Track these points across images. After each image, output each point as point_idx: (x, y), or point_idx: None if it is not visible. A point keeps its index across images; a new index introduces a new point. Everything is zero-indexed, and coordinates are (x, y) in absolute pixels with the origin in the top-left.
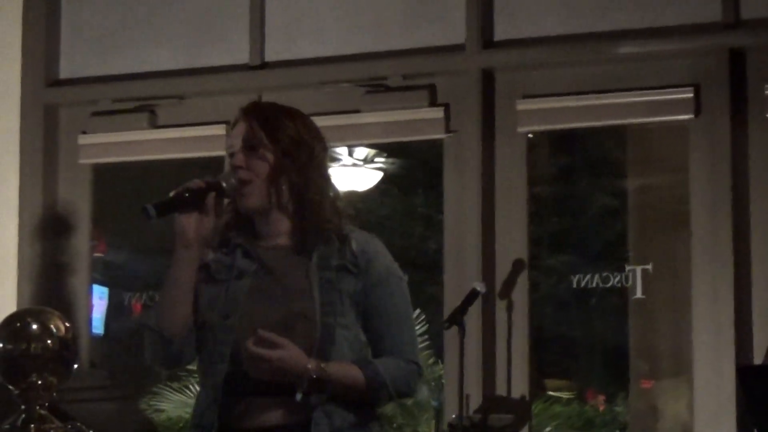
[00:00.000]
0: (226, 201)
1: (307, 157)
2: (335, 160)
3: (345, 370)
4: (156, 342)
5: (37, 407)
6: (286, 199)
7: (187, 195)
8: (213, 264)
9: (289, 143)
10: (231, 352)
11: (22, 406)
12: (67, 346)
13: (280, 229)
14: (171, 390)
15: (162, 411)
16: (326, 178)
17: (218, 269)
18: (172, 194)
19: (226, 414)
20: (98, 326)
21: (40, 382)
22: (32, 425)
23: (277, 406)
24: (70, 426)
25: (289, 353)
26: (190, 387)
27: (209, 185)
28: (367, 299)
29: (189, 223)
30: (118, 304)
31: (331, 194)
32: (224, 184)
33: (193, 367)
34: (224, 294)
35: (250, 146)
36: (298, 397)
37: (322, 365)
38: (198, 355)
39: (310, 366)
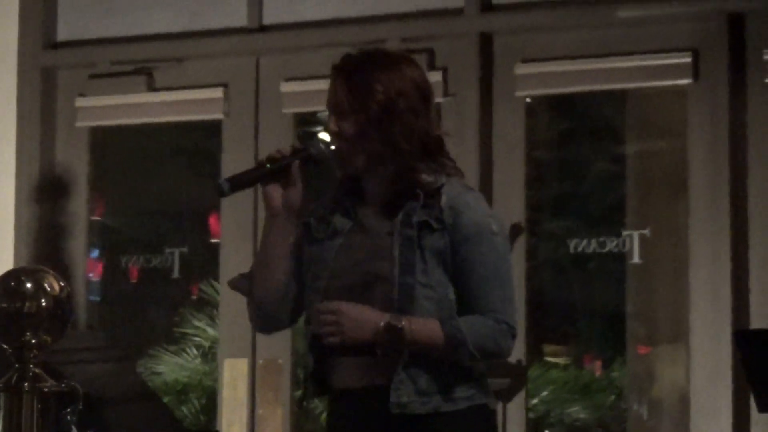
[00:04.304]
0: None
1: (396, 116)
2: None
3: (422, 324)
4: (250, 306)
5: (31, 366)
6: (377, 160)
7: (268, 166)
8: (313, 222)
9: (377, 106)
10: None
11: (16, 365)
12: (62, 305)
13: (381, 188)
14: (168, 353)
15: (159, 374)
16: (421, 133)
17: (318, 228)
18: (253, 166)
19: (320, 375)
20: (95, 289)
21: (34, 341)
22: (26, 383)
23: (360, 366)
24: (63, 384)
25: (352, 316)
26: (187, 350)
27: (295, 153)
28: (456, 256)
29: (275, 192)
30: (115, 267)
31: (428, 148)
32: (313, 151)
33: (191, 331)
34: (318, 254)
35: (338, 110)
36: (379, 352)
37: (395, 321)
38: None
39: (381, 323)
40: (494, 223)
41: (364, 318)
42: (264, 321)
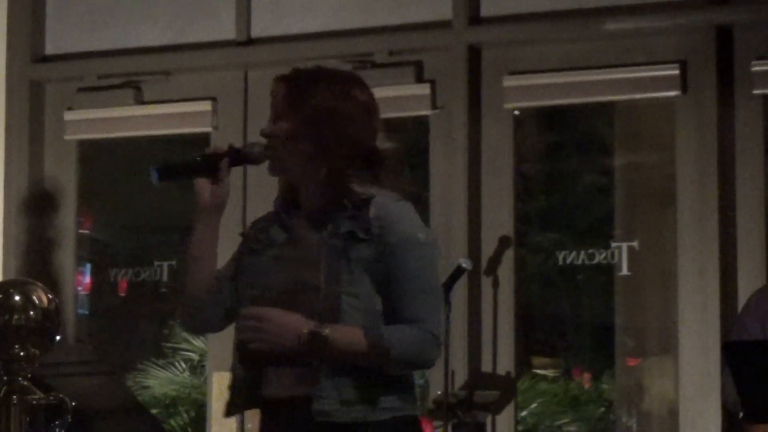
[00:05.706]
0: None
1: (330, 126)
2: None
3: (346, 333)
4: (180, 303)
5: (20, 378)
6: (307, 162)
7: (198, 159)
8: (252, 234)
9: (312, 113)
10: None
11: (5, 378)
12: (50, 318)
13: (313, 198)
14: (157, 367)
15: (148, 388)
16: (356, 141)
17: (256, 239)
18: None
19: (247, 385)
20: (84, 303)
21: (22, 354)
22: (14, 396)
23: (286, 375)
24: (52, 397)
25: (276, 321)
26: (176, 364)
27: (228, 151)
28: (382, 267)
29: (204, 187)
30: (104, 280)
31: (365, 159)
32: (244, 150)
33: (181, 345)
34: (254, 264)
35: (275, 115)
36: (303, 359)
37: (318, 328)
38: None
39: (305, 330)
40: (421, 233)
41: (287, 324)
42: (191, 319)
